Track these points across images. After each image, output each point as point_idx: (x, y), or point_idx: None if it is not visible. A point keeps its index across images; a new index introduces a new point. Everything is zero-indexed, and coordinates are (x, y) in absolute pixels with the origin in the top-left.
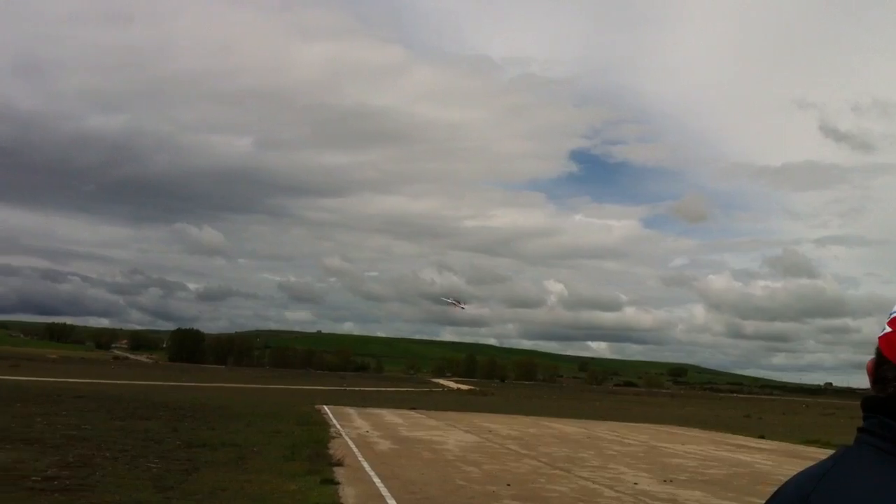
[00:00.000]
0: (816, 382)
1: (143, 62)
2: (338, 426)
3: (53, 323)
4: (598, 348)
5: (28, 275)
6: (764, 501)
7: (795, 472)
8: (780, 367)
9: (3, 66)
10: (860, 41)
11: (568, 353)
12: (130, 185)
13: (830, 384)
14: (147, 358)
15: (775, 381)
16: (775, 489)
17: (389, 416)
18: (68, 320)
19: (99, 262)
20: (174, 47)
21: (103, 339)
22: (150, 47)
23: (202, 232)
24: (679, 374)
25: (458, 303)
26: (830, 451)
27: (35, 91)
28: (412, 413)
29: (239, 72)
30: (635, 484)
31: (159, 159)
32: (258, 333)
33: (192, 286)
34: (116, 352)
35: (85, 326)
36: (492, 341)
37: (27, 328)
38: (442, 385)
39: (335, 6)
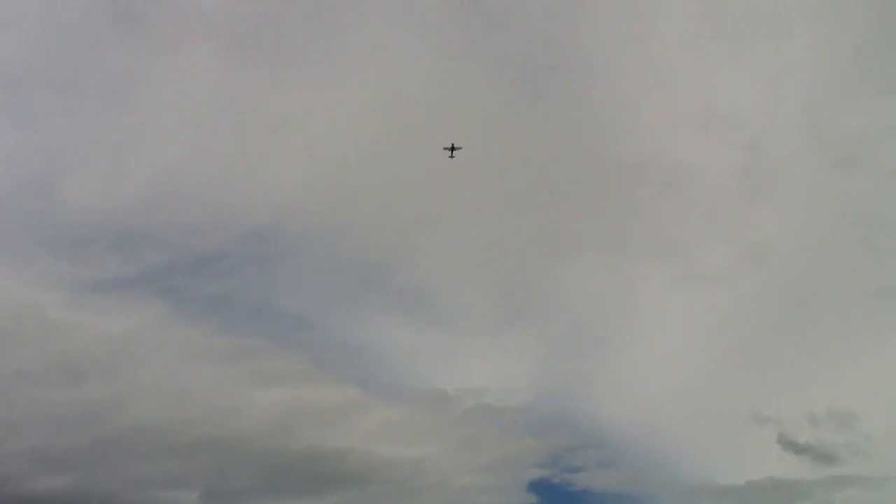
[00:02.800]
0: None
1: (96, 418)
2: None
3: None
4: None
5: None
6: None
7: None
8: None
9: None
10: (811, 351)
11: None
12: None
13: None
14: None
15: None
16: None
17: None
18: None
19: None
20: (129, 401)
21: None
22: (103, 402)
23: None
24: None
25: (452, 150)
26: None
27: None
28: None
29: (193, 422)
30: None
31: None
32: None
33: None
34: None
35: None
36: None
37: None
38: None
39: (292, 352)
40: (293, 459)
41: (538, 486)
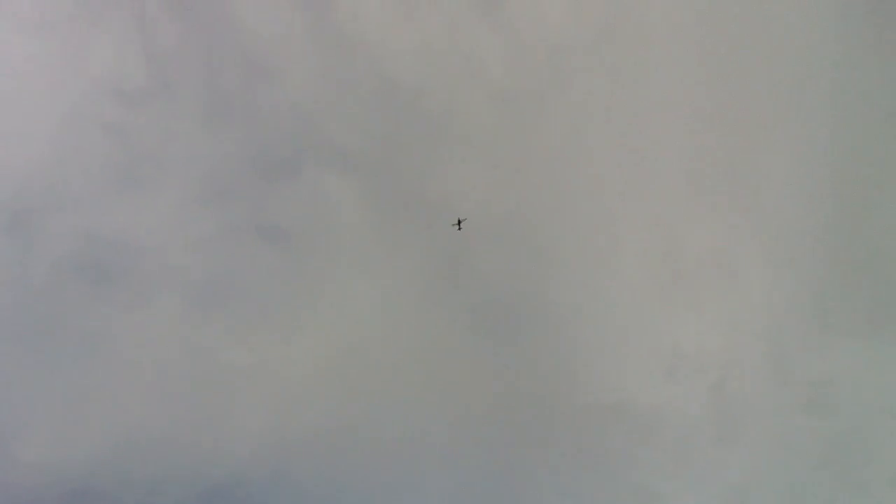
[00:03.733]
0: None
1: None
2: None
3: None
4: None
5: None
6: None
7: None
8: None
9: None
10: None
11: None
12: None
13: None
14: None
15: None
16: None
17: None
18: None
19: None
20: None
21: None
22: None
23: None
24: None
25: (460, 222)
26: None
27: None
28: None
29: None
30: None
31: None
32: None
33: None
34: None
35: None
36: None
37: None
38: None
39: None
40: None
41: None
